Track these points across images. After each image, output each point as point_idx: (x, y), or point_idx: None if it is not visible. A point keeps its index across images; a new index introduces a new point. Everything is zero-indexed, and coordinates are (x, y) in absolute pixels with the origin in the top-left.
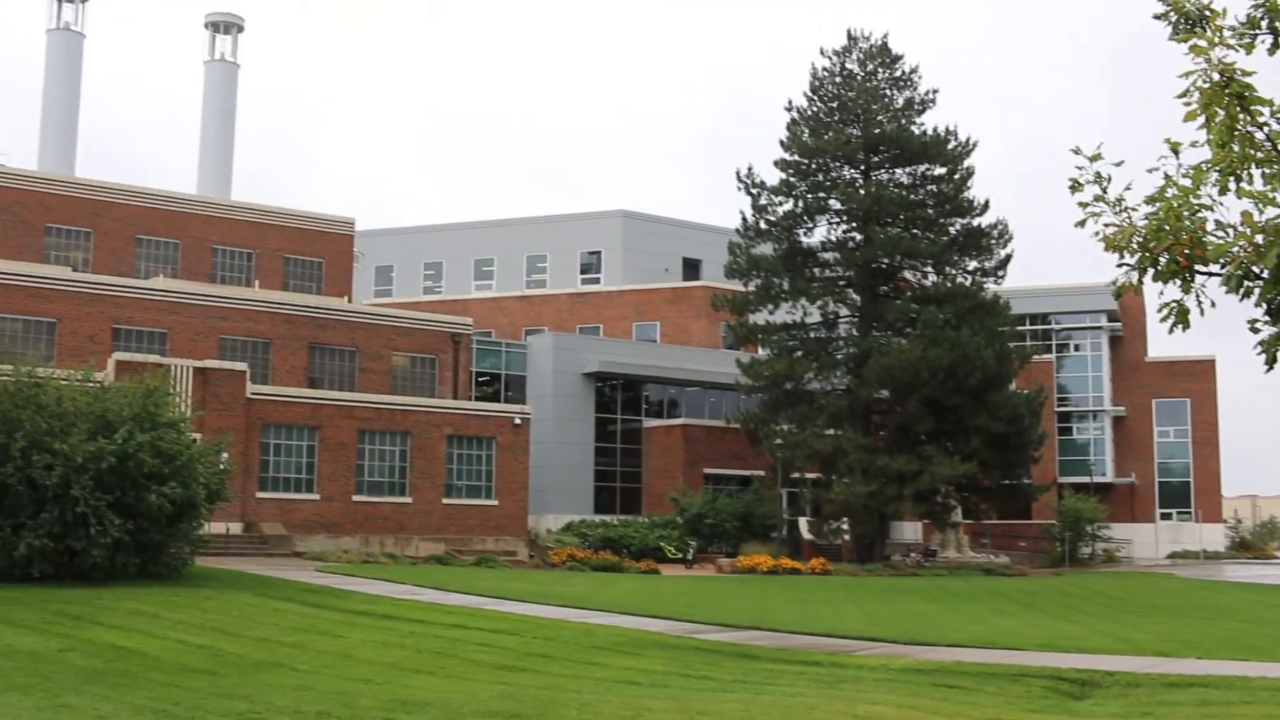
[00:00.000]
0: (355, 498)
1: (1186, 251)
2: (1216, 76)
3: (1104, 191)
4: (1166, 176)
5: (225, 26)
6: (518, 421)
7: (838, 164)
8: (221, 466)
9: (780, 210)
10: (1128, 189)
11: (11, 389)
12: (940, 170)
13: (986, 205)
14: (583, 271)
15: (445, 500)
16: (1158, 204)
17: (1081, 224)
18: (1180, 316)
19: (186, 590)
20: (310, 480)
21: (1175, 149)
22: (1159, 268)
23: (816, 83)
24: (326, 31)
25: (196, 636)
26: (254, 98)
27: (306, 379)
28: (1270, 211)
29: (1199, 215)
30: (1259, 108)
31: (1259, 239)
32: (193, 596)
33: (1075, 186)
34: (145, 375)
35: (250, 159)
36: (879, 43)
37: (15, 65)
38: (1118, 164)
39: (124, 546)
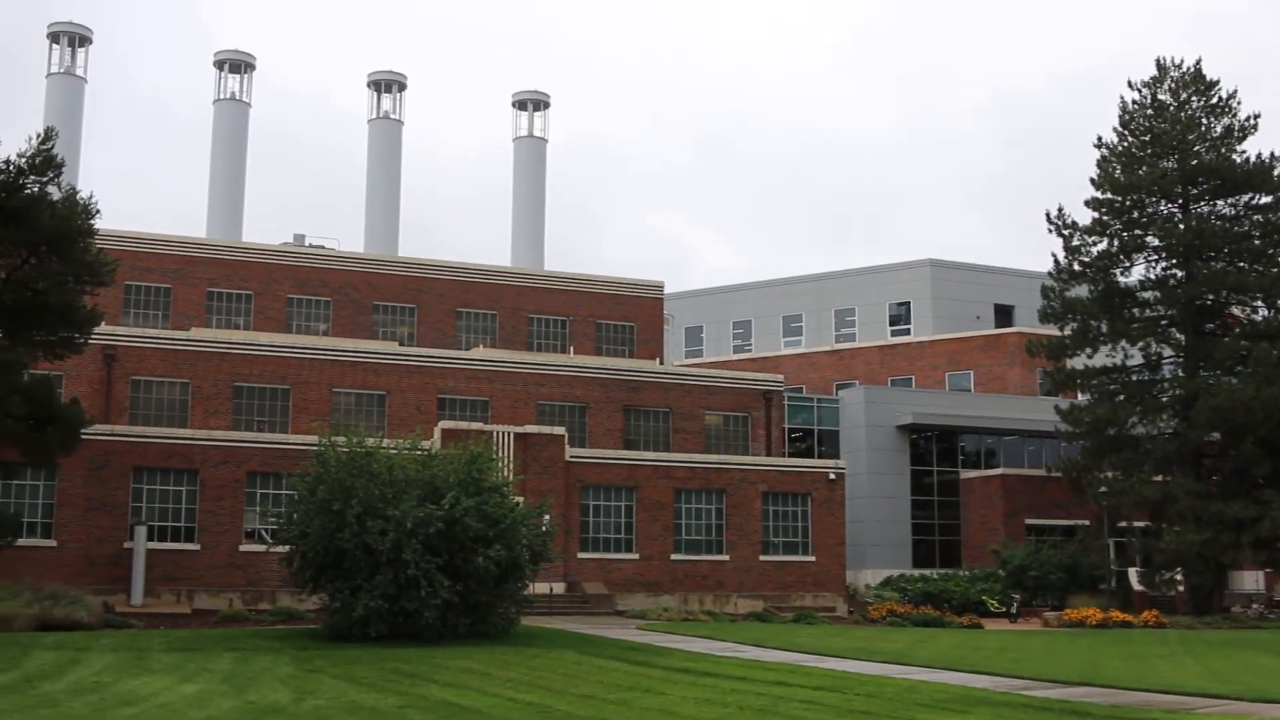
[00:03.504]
0: (673, 556)
1: None
2: None
3: None
4: None
5: (532, 104)
6: (832, 476)
7: (1154, 199)
8: (544, 528)
9: (1094, 250)
10: None
11: (346, 459)
12: (1266, 199)
13: None
14: (892, 323)
15: (762, 557)
16: None
17: None
18: None
19: (514, 649)
20: (629, 540)
21: None
22: None
23: (1126, 116)
24: (627, 99)
25: (525, 694)
26: (559, 166)
27: (622, 440)
28: None
29: None
30: None
31: None
32: (520, 655)
33: None
34: (469, 442)
35: (559, 226)
36: (1191, 70)
37: (341, 151)
38: None
39: (454, 607)
